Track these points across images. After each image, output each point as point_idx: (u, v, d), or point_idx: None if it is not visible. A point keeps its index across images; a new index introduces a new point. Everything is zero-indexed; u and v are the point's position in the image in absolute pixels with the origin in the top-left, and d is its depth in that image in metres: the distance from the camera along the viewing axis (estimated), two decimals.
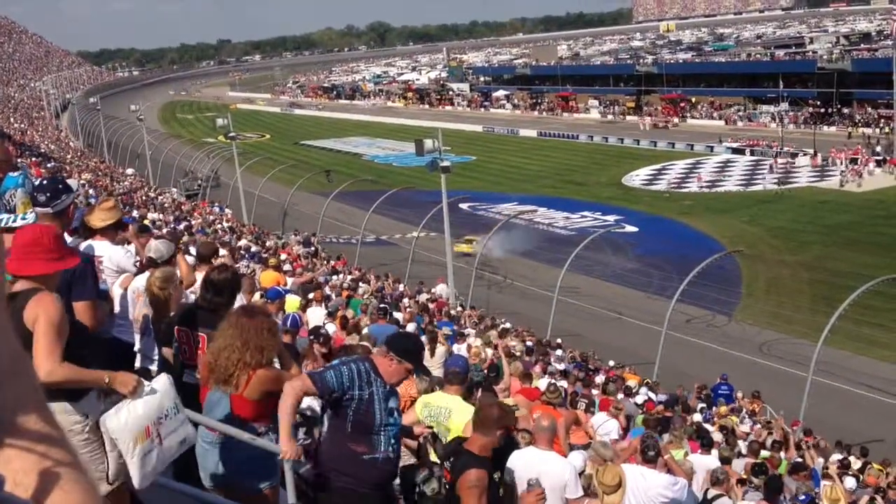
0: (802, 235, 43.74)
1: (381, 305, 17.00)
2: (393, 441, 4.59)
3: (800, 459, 13.70)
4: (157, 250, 6.63)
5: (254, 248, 25.06)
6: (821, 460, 14.64)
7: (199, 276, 6.12)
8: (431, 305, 24.15)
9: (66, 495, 1.06)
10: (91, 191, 26.61)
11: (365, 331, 12.26)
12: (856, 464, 15.48)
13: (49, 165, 32.89)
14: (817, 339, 21.30)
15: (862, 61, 78.92)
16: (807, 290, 34.85)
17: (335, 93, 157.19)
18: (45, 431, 1.11)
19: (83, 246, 6.17)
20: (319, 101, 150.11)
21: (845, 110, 76.54)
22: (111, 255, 6.43)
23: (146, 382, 3.89)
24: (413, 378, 7.57)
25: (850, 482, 12.95)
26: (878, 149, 60.34)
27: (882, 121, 69.01)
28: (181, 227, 24.76)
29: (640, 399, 16.70)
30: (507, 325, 23.99)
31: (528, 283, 37.14)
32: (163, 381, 4.02)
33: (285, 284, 13.43)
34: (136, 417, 3.72)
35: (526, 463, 5.96)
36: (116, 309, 6.16)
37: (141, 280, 6.22)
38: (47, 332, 3.40)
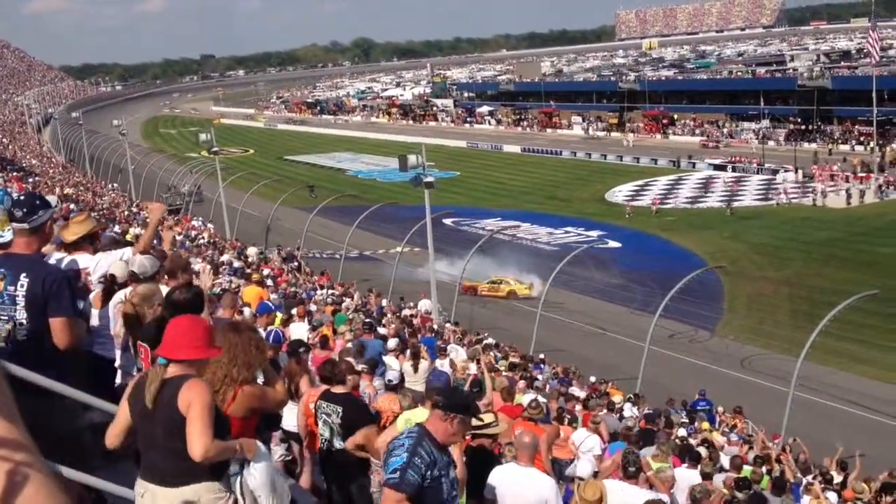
0: (783, 251, 44.02)
1: (367, 320, 16.99)
2: None
3: (778, 475, 13.74)
4: (142, 265, 6.48)
5: (236, 264, 24.96)
6: (804, 478, 14.67)
7: (166, 289, 6.04)
8: (416, 321, 24.12)
9: (33, 496, 1.10)
10: (73, 206, 26.47)
11: (349, 345, 12.22)
12: (837, 478, 15.52)
13: (31, 181, 32.74)
14: (798, 355, 21.39)
15: (842, 79, 79.76)
16: (788, 306, 35.06)
17: (319, 108, 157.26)
18: (11, 437, 1.14)
19: (66, 261, 6.12)
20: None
21: (826, 128, 77.25)
22: (98, 264, 6.39)
23: (259, 444, 4.20)
24: (396, 394, 7.57)
25: (832, 497, 12.99)
26: (837, 167, 61.02)
27: (863, 137, 69.69)
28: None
29: (625, 413, 16.73)
30: (491, 340, 23.98)
31: (511, 299, 37.22)
32: (263, 446, 4.30)
33: (268, 299, 13.40)
34: (262, 476, 4.08)
35: (507, 479, 5.95)
36: (94, 323, 6.10)
37: (125, 294, 6.16)
38: (201, 416, 3.70)
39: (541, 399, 11.31)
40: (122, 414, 3.99)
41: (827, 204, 53.96)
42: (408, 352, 14.09)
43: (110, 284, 6.22)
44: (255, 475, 4.05)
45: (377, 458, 6.37)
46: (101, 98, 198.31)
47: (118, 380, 5.97)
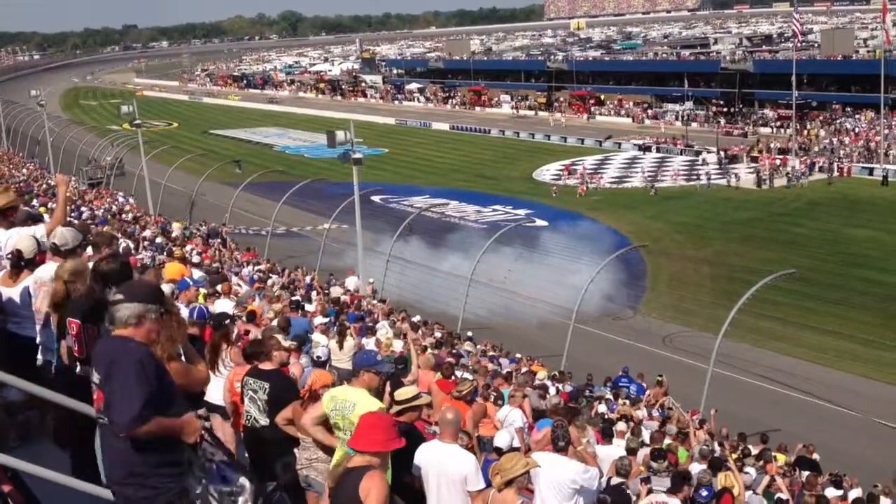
0: (705, 231, 45.00)
1: (294, 298, 16.85)
2: None
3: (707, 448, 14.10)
4: (63, 237, 6.29)
5: (159, 239, 24.49)
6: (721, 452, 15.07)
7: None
8: (344, 298, 24.01)
9: None
10: None
11: (273, 322, 12.12)
12: (755, 451, 15.98)
13: None
14: (718, 332, 21.89)
15: (763, 62, 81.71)
16: (708, 285, 35.84)
17: (245, 82, 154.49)
18: None
19: None
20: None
21: (748, 110, 78.93)
22: (10, 240, 6.21)
23: None
24: (321, 371, 7.53)
25: (751, 471, 13.36)
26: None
27: (781, 121, 71.39)
28: (84, 216, 24.00)
29: (550, 392, 16.95)
30: (417, 318, 23.99)
31: (438, 276, 37.24)
32: None
33: (191, 275, 13.18)
34: None
35: (429, 456, 5.98)
36: (5, 298, 5.92)
37: (47, 270, 5.99)
38: None
39: (468, 376, 11.43)
40: None
41: (741, 185, 55.38)
42: (334, 329, 14.04)
43: (17, 260, 6.06)
44: None
45: (303, 433, 6.35)
46: (19, 67, 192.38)
47: (39, 357, 5.82)
